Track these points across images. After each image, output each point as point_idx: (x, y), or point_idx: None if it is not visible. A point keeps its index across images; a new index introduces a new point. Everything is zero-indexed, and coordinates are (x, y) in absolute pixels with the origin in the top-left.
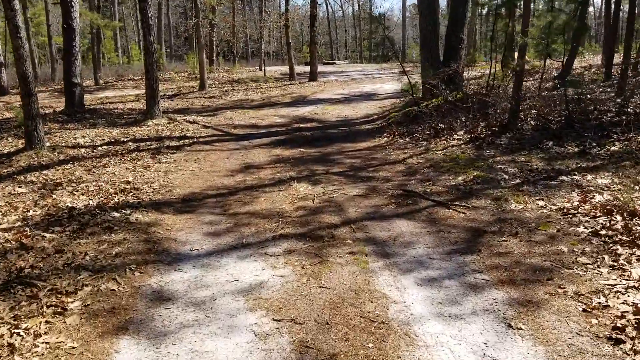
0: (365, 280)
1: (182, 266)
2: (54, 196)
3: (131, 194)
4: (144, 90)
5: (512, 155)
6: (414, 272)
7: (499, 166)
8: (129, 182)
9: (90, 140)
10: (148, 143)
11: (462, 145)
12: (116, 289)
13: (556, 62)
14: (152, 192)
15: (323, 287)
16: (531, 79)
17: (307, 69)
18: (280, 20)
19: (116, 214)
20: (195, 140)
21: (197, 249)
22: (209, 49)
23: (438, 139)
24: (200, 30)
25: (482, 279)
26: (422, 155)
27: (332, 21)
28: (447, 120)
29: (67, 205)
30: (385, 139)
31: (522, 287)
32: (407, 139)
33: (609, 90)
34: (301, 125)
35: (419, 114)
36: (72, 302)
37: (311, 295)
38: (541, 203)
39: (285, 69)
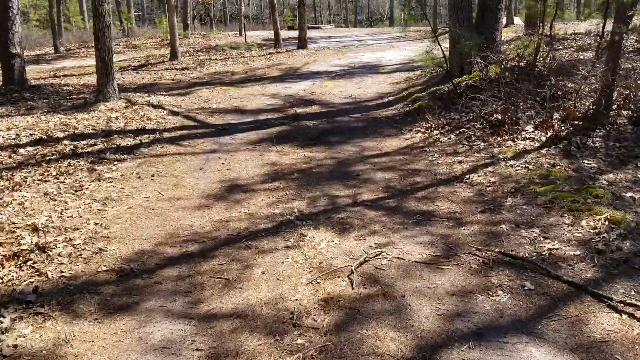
0: None
1: None
2: None
3: (30, 261)
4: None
5: (626, 167)
6: None
7: (628, 194)
8: (36, 229)
9: (14, 136)
10: (91, 141)
11: (543, 150)
12: None
13: None
14: (69, 255)
15: None
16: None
17: (291, 34)
18: None
19: None
20: (157, 136)
21: None
22: (183, 11)
23: (500, 137)
24: None
25: None
26: (489, 168)
27: None
28: (502, 107)
29: None
30: (419, 134)
31: None
32: (451, 135)
33: None
34: (299, 111)
35: (455, 96)
36: None
37: None
38: None
39: (267, 33)
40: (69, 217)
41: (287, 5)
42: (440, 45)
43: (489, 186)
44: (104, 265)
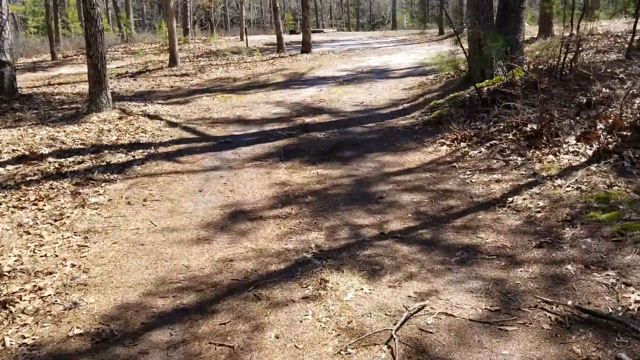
0: None
1: None
2: None
3: None
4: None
5: None
6: None
7: None
8: (0, 275)
9: None
10: (79, 158)
11: (592, 167)
12: None
13: None
14: (36, 312)
15: None
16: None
17: (293, 38)
18: None
19: None
20: (152, 151)
21: None
22: (182, 16)
23: (538, 151)
24: None
25: None
26: (534, 189)
27: None
28: (537, 115)
29: None
30: (444, 147)
31: None
32: (481, 148)
33: None
34: (307, 120)
35: (479, 103)
36: None
37: None
38: None
39: (269, 38)
40: (42, 256)
41: (289, 9)
42: (462, 47)
43: (539, 212)
44: (78, 327)
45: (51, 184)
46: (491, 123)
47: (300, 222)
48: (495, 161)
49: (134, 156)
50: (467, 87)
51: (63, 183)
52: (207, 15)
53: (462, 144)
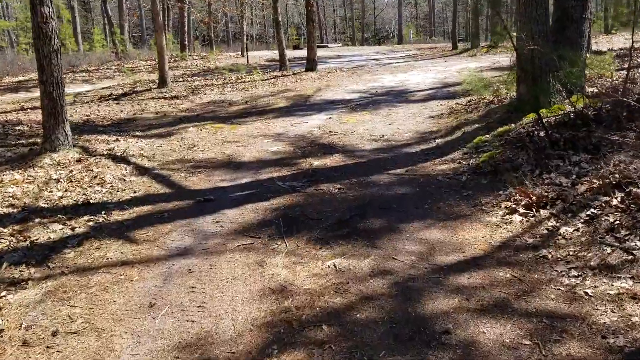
0: None
1: None
2: None
3: None
4: (89, 87)
5: None
6: None
7: None
8: None
9: None
10: None
11: None
12: None
13: None
14: None
15: None
16: None
17: (297, 53)
18: None
19: None
20: (101, 219)
21: None
22: (180, 32)
23: None
24: (157, 3)
25: None
26: None
27: (320, 0)
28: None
29: None
30: (517, 216)
31: None
32: (576, 222)
33: None
34: (315, 164)
35: (544, 144)
36: None
37: None
38: None
39: (271, 54)
40: None
41: (292, 24)
42: (522, 62)
43: None
44: None
45: None
46: (574, 177)
47: None
48: (608, 250)
49: (73, 229)
50: (516, 118)
51: None
52: (208, 30)
53: (543, 212)
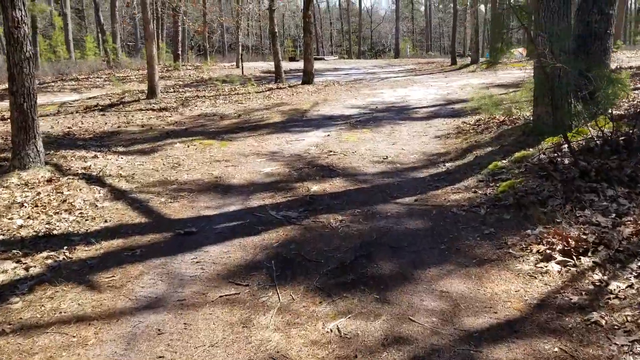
0: None
1: None
2: None
3: None
4: (76, 96)
5: None
6: None
7: None
8: None
9: None
10: None
11: None
12: None
13: None
14: None
15: None
16: None
17: (293, 65)
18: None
19: None
20: (62, 256)
21: None
22: (173, 41)
23: None
24: (148, 10)
25: None
26: None
27: (317, 13)
28: None
29: None
30: (554, 264)
31: None
32: (628, 276)
33: None
34: (314, 189)
35: (574, 174)
36: None
37: None
38: None
39: (267, 65)
40: None
41: (289, 36)
42: (541, 81)
43: None
44: None
45: None
46: (613, 215)
47: None
48: None
49: (27, 268)
50: (534, 141)
51: None
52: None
53: (585, 261)
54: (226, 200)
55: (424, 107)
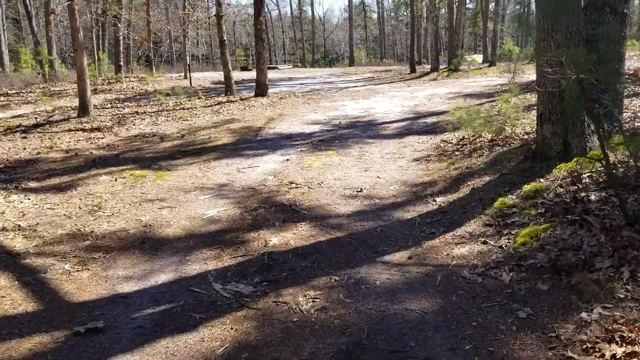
0: None
1: None
2: None
3: None
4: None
5: None
6: None
7: None
8: None
9: None
10: None
11: None
12: None
13: None
14: None
15: None
16: None
17: (245, 75)
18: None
19: None
20: None
21: None
22: (115, 51)
23: None
24: (76, 17)
25: None
26: None
27: (269, 21)
28: None
29: None
30: None
31: None
32: None
33: None
34: (273, 242)
35: (616, 219)
36: None
37: None
38: None
39: (217, 75)
40: None
41: (240, 44)
42: (547, 96)
43: None
44: None
45: None
46: None
47: None
48: None
49: None
50: (541, 169)
51: None
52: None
53: None
54: (154, 265)
55: (393, 121)
